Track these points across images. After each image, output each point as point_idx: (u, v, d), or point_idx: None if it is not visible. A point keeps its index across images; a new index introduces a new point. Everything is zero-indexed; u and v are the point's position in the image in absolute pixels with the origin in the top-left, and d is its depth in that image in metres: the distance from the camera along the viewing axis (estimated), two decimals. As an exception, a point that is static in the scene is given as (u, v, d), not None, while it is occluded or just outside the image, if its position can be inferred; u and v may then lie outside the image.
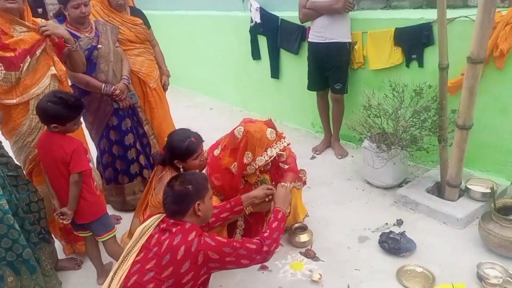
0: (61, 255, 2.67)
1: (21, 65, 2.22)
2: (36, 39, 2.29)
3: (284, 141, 2.45)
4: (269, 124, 2.44)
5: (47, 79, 2.34)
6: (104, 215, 2.33)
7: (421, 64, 3.19)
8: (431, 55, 3.06)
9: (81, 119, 2.26)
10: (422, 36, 3.08)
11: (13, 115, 2.30)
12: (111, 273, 1.75)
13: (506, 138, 2.86)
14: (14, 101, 2.26)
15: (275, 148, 2.38)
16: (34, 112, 2.27)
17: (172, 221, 1.75)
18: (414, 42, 3.14)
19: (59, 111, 2.11)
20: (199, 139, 2.29)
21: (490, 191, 2.60)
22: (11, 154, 2.40)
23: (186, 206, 1.75)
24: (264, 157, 2.36)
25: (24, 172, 2.42)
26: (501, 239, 2.26)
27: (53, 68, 2.38)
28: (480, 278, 2.17)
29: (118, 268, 1.74)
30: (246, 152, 2.35)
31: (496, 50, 2.69)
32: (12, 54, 2.19)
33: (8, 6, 2.17)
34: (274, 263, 2.50)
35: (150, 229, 1.79)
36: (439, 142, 2.80)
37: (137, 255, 1.72)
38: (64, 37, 2.40)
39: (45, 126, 2.24)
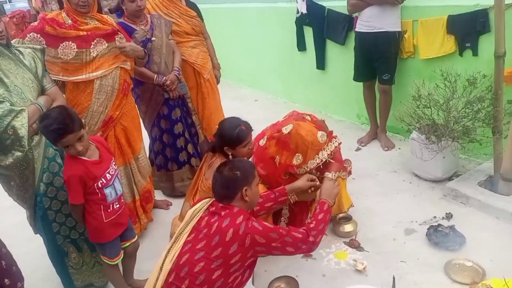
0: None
1: (92, 43, 2.38)
2: (108, 31, 2.45)
3: (336, 141, 2.46)
4: (319, 126, 2.44)
5: (117, 69, 2.50)
6: (107, 243, 2.12)
7: (475, 53, 3.05)
8: (486, 43, 2.93)
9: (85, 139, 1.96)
10: (477, 23, 2.95)
11: (82, 99, 2.45)
12: (164, 252, 1.85)
13: None
14: (83, 76, 2.39)
15: (326, 151, 2.40)
16: (97, 97, 2.45)
17: (221, 205, 1.81)
18: (468, 29, 3.01)
19: (44, 133, 1.97)
20: (248, 128, 2.37)
21: (549, 186, 2.47)
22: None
23: (234, 191, 1.81)
24: (316, 160, 2.38)
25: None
26: (560, 236, 2.15)
27: (128, 63, 2.56)
28: (535, 275, 2.08)
29: (171, 247, 1.83)
30: (296, 154, 2.38)
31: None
32: (85, 33, 2.37)
33: (80, 10, 2.37)
34: (318, 252, 2.52)
35: (200, 212, 1.86)
36: (493, 133, 2.68)
37: (188, 236, 1.80)
38: (140, 56, 2.62)
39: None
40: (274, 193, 2.28)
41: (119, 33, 2.52)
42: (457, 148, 2.86)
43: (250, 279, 2.12)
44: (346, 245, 2.56)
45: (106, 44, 2.44)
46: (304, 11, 4.32)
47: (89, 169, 1.97)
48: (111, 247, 2.14)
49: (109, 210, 2.07)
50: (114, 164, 2.13)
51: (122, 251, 2.22)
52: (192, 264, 1.72)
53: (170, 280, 1.74)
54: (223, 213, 1.79)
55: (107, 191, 2.04)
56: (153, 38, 2.87)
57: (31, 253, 2.62)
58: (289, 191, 2.30)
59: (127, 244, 2.26)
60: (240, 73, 6.15)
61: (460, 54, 3.14)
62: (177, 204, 3.09)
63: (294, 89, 5.11)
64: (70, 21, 2.36)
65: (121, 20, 2.87)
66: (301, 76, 4.87)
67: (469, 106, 2.71)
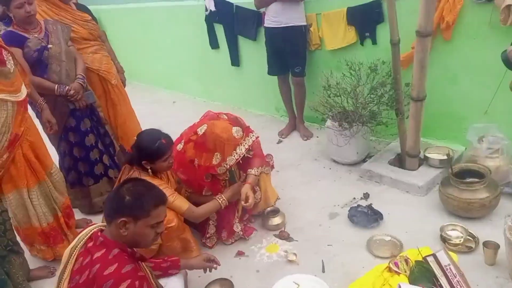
0: (33, 265, 2.60)
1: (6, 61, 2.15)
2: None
3: (253, 136, 2.47)
4: (234, 122, 2.44)
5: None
6: None
7: (374, 42, 3.28)
8: (383, 32, 3.15)
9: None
10: (374, 14, 3.17)
11: None
12: None
13: (458, 106, 3.02)
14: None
15: (243, 145, 2.40)
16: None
17: (101, 239, 1.52)
18: (366, 20, 3.23)
19: None
20: (169, 142, 2.27)
21: (447, 157, 2.75)
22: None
23: (113, 214, 1.53)
24: (234, 156, 2.38)
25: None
26: (460, 201, 2.40)
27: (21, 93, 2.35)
28: (444, 239, 2.31)
29: None
30: (215, 154, 2.36)
31: (442, 23, 2.82)
32: None
33: None
34: (250, 248, 2.54)
35: (76, 249, 1.56)
36: (397, 115, 2.91)
37: (69, 282, 1.51)
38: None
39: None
40: (167, 263, 1.99)
41: (2, 49, 2.24)
42: (367, 132, 3.06)
43: (183, 285, 2.06)
44: (277, 238, 2.60)
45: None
46: (213, 8, 4.29)
47: None
48: None
49: None
50: None
51: None
52: None
53: None
54: (95, 255, 1.47)
55: None
56: (49, 46, 2.63)
57: None
58: (183, 265, 2.04)
59: None
60: (155, 76, 5.95)
61: (361, 44, 3.36)
62: (97, 221, 2.88)
63: (212, 88, 5.08)
64: None
65: (10, 28, 2.58)
66: (217, 74, 4.85)
67: (373, 91, 2.90)
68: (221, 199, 2.41)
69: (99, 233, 1.55)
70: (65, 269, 1.55)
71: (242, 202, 2.41)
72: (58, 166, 2.83)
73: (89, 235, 1.58)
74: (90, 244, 1.53)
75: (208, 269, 2.15)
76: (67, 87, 2.71)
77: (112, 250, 1.49)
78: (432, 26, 2.51)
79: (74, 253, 1.55)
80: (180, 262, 2.03)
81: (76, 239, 1.60)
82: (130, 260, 1.52)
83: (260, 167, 2.54)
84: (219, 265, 2.18)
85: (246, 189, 2.43)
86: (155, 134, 2.25)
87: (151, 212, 1.55)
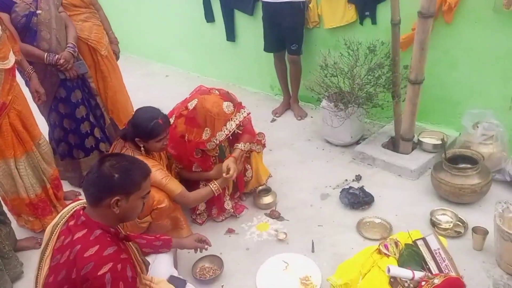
0: (20, 235, 2.57)
1: None
2: None
3: (244, 112, 2.42)
4: (225, 97, 2.39)
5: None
6: None
7: (374, 21, 3.21)
8: (383, 11, 3.08)
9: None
10: (375, -8, 3.09)
11: None
12: (34, 280, 1.54)
13: (455, 91, 2.99)
14: None
15: (234, 121, 2.36)
16: None
17: (82, 218, 1.46)
18: (367, -1, 3.15)
19: None
20: (166, 123, 2.20)
21: (441, 142, 2.74)
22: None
23: (101, 195, 1.46)
24: (224, 131, 2.34)
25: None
26: (451, 186, 2.41)
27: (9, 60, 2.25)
28: (433, 224, 2.33)
29: (38, 275, 1.52)
30: (205, 129, 2.32)
31: (444, 4, 2.75)
32: None
33: None
34: (241, 226, 2.54)
35: (58, 227, 1.51)
36: (393, 98, 2.88)
37: (51, 260, 1.46)
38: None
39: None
40: (159, 241, 1.97)
41: None
42: (362, 114, 3.03)
43: (172, 262, 2.06)
44: (267, 217, 2.60)
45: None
46: (210, -20, 4.15)
47: None
48: None
49: None
50: None
51: None
52: None
53: None
54: (76, 235, 1.41)
55: None
56: (38, 11, 2.52)
57: None
58: (175, 244, 2.03)
59: None
60: (148, 48, 5.78)
61: (361, 23, 3.28)
62: (87, 194, 2.86)
63: (205, 63, 4.97)
64: None
65: (-4, -8, 2.47)
66: (211, 49, 4.73)
67: (370, 73, 2.85)
68: (215, 187, 2.37)
69: (81, 212, 1.49)
70: (47, 246, 1.51)
71: (224, 174, 2.34)
72: (47, 137, 2.78)
73: (71, 212, 1.53)
74: (72, 223, 1.48)
75: (199, 249, 2.15)
76: (56, 56, 2.62)
77: (94, 231, 1.43)
78: (435, 7, 2.45)
79: (56, 230, 1.51)
80: (172, 241, 2.01)
81: (57, 217, 1.55)
82: (113, 242, 1.47)
83: (248, 143, 2.50)
84: (210, 246, 2.17)
85: (228, 161, 2.37)
86: (153, 113, 2.18)
87: (142, 185, 1.52)
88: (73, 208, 1.54)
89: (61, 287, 1.39)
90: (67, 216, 1.52)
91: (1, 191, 2.43)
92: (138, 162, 1.60)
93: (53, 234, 1.50)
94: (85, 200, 1.54)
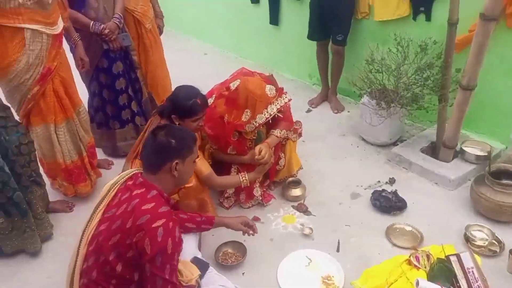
0: (52, 198, 2.65)
1: None
2: None
3: (285, 97, 2.39)
4: (268, 80, 2.35)
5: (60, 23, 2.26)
6: None
7: (428, 18, 3.04)
8: (440, 8, 2.91)
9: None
10: (434, -13, 2.91)
11: (9, 50, 2.15)
12: (81, 232, 1.65)
13: (507, 101, 2.81)
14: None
15: (275, 105, 2.32)
16: (31, 48, 2.16)
17: (140, 179, 1.59)
18: (424, -7, 2.98)
19: None
20: (204, 103, 2.19)
21: (485, 154, 2.61)
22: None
23: (162, 161, 1.60)
24: (265, 114, 2.30)
25: (14, 113, 2.34)
26: (492, 203, 2.29)
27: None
28: (467, 239, 2.22)
29: (86, 227, 1.64)
30: (245, 110, 2.28)
31: (508, 8, 2.56)
32: None
33: None
34: (267, 216, 2.52)
35: (117, 185, 1.65)
36: (440, 101, 2.74)
37: (103, 214, 1.60)
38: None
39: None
40: (201, 217, 2.04)
41: None
42: (404, 115, 2.91)
43: (197, 243, 2.07)
44: (294, 209, 2.57)
45: None
46: (259, -41, 4.04)
47: None
48: None
49: None
50: None
51: None
52: (100, 251, 1.53)
53: (85, 266, 1.57)
54: (135, 192, 1.54)
55: None
56: (89, -23, 2.52)
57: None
58: (217, 223, 2.07)
59: None
60: (187, 23, 5.75)
61: (414, 19, 3.12)
62: (119, 163, 2.89)
63: (245, 44, 4.90)
64: None
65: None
66: (253, 31, 4.65)
67: (419, 72, 2.72)
68: (244, 179, 2.34)
69: (139, 174, 1.64)
70: (102, 201, 1.63)
71: (256, 156, 2.29)
72: (86, 105, 2.82)
73: (130, 174, 1.68)
74: (130, 183, 1.62)
75: (243, 232, 2.13)
76: (102, 26, 2.63)
77: (151, 191, 1.56)
78: (500, 10, 2.28)
79: (114, 187, 1.65)
80: (215, 219, 2.06)
81: (117, 176, 1.69)
82: (167, 204, 1.58)
83: (284, 130, 2.45)
84: (256, 233, 2.14)
85: (261, 145, 2.33)
86: (192, 92, 2.17)
87: (193, 148, 1.70)
88: (133, 172, 1.70)
89: (114, 235, 1.50)
90: (126, 177, 1.67)
91: (39, 153, 2.49)
92: (185, 129, 1.81)
93: (110, 191, 1.64)
94: (140, 169, 1.69)
